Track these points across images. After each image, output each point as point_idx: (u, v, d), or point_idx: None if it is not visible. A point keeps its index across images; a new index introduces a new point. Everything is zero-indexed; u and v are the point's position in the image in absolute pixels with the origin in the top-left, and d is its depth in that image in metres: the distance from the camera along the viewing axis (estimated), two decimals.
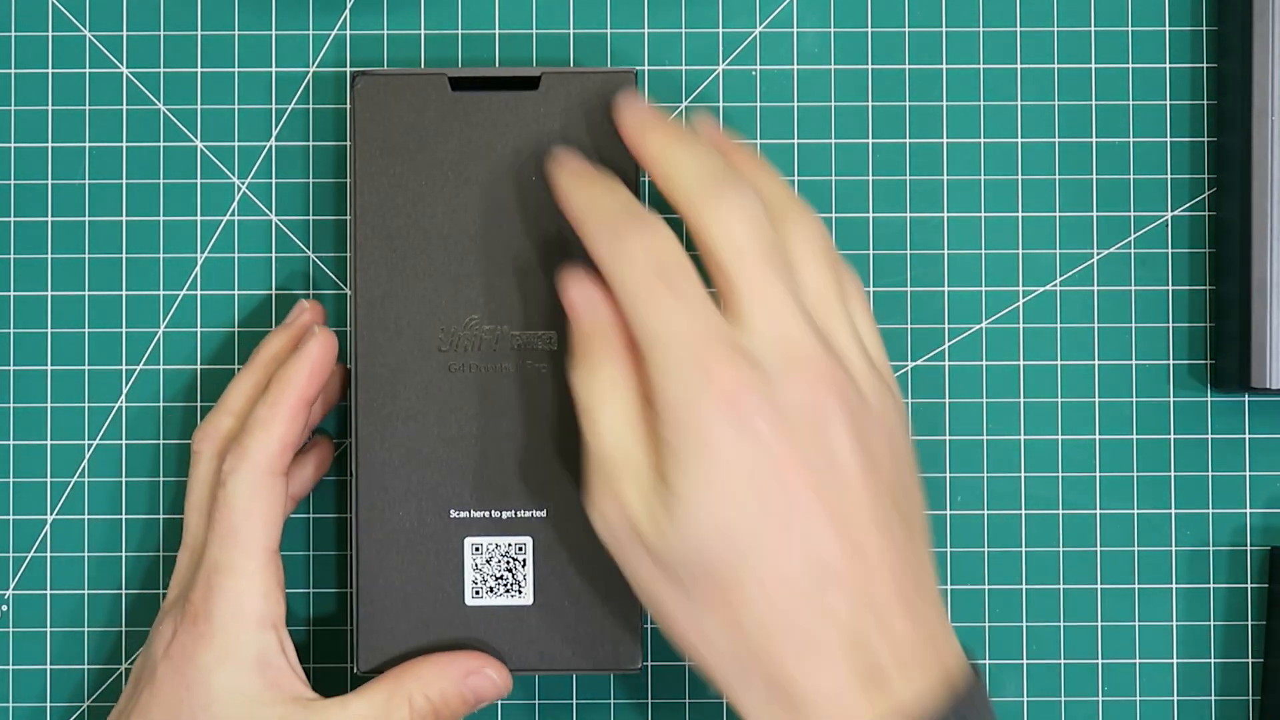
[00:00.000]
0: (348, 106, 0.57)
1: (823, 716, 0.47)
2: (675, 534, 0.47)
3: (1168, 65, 0.60)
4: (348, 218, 0.59)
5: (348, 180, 0.58)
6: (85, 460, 0.60)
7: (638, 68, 0.59)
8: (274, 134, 0.60)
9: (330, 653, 0.60)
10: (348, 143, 0.58)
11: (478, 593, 0.55)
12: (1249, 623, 0.60)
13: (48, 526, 0.60)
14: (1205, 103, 0.60)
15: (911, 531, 0.49)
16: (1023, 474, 0.60)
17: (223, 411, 0.56)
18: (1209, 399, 0.60)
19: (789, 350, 0.47)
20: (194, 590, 0.53)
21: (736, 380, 0.46)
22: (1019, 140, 0.60)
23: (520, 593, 0.55)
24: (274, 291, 0.60)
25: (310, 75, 0.60)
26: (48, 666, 0.60)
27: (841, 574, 0.47)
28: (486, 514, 0.55)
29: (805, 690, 0.47)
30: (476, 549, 0.55)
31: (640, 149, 0.51)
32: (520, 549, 0.55)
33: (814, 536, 0.47)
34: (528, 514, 0.55)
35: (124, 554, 0.60)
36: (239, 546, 0.53)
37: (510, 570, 0.55)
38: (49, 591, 0.60)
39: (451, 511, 0.55)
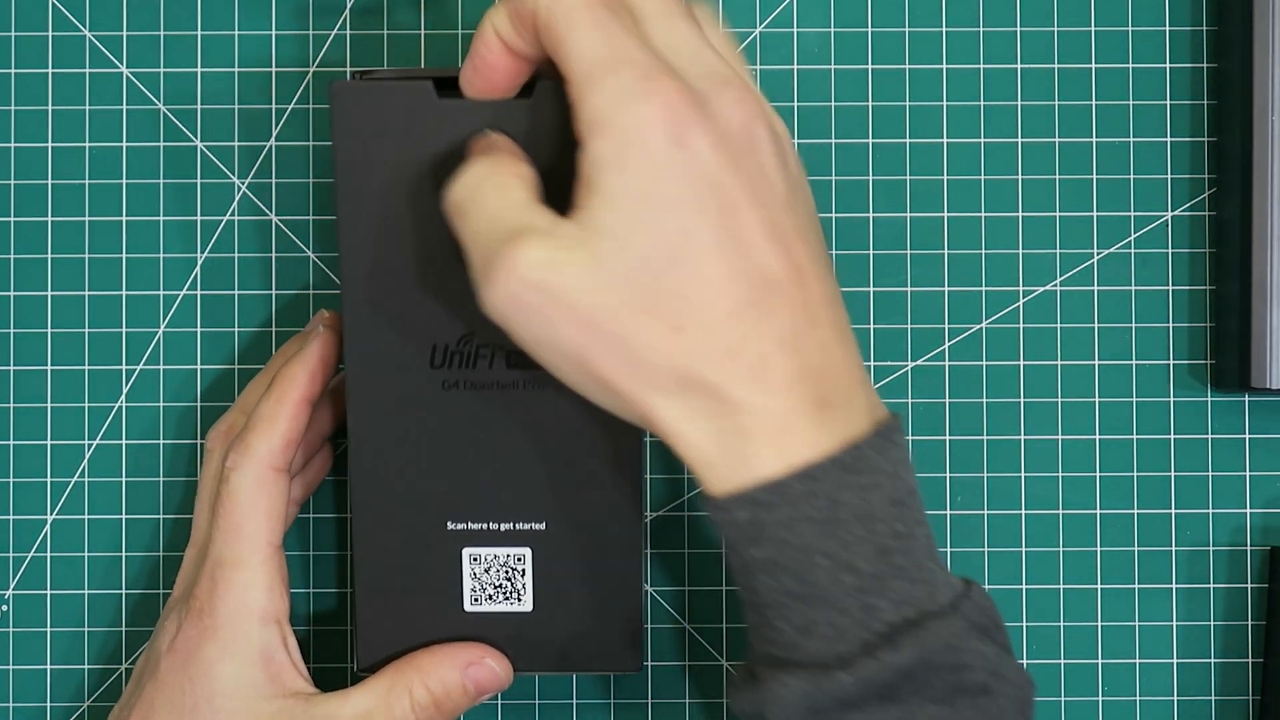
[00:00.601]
0: (329, 114, 0.55)
1: (767, 433, 0.46)
2: (611, 251, 0.45)
3: (1168, 65, 0.60)
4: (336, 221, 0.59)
5: (335, 191, 0.57)
6: (85, 460, 0.60)
7: None
8: (274, 134, 0.60)
9: (330, 652, 0.60)
10: (331, 151, 0.56)
11: (476, 600, 0.55)
12: (1249, 623, 0.60)
13: (48, 526, 0.60)
14: (1205, 103, 0.60)
15: (824, 258, 0.48)
16: (1023, 474, 0.60)
17: (238, 411, 0.56)
18: (1209, 399, 0.60)
19: (715, 76, 0.47)
20: (199, 585, 0.53)
21: (680, 98, 0.45)
22: (1019, 140, 0.60)
23: (520, 600, 0.55)
24: (274, 291, 0.60)
25: (310, 75, 0.60)
26: (48, 666, 0.60)
27: (784, 286, 0.46)
28: (484, 526, 0.55)
29: (751, 406, 0.46)
30: (475, 559, 0.55)
31: None
32: (519, 559, 0.55)
33: (755, 247, 0.46)
34: (526, 526, 0.55)
35: (124, 554, 0.60)
36: (243, 541, 0.53)
37: (509, 579, 0.55)
38: (49, 591, 0.60)
39: (449, 524, 0.55)
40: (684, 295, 0.45)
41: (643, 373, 0.46)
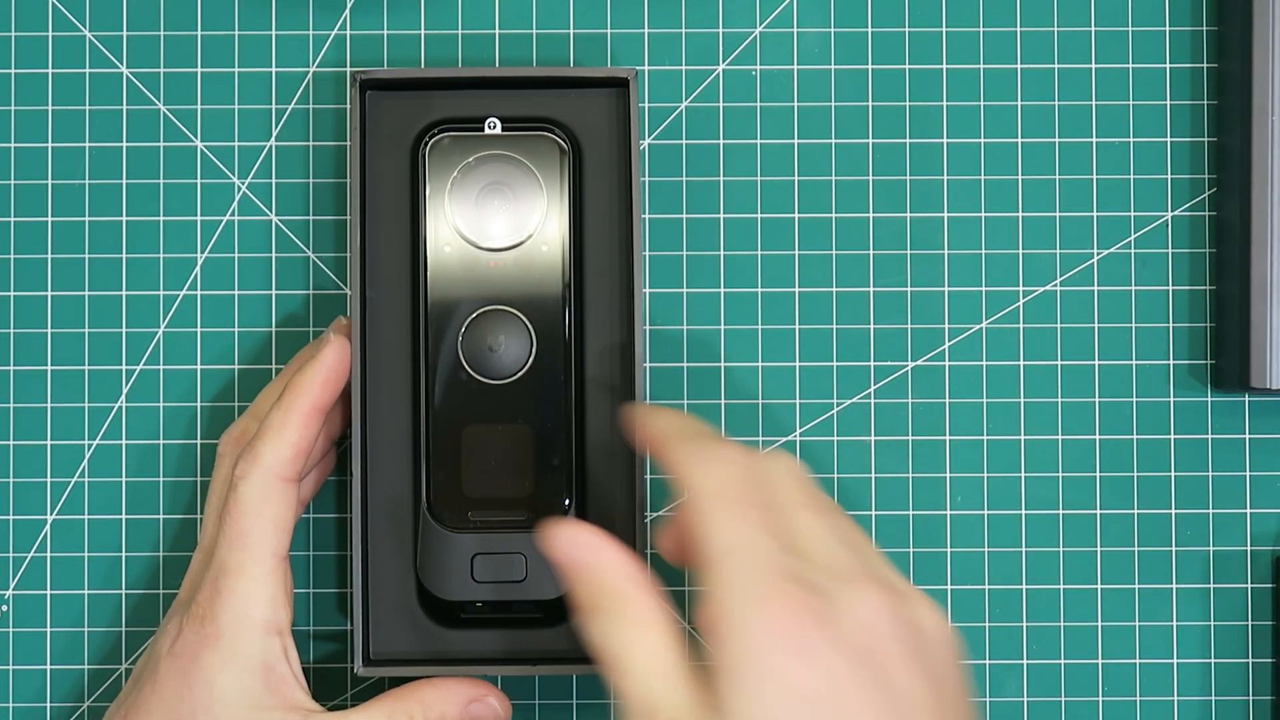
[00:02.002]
0: (348, 108, 0.57)
1: None
2: None
3: (1168, 65, 0.60)
4: (347, 218, 0.59)
5: (348, 181, 0.58)
6: (85, 460, 0.60)
7: (638, 67, 0.59)
8: (274, 134, 0.60)
9: (330, 653, 0.60)
10: (348, 143, 0.58)
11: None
12: (1249, 623, 0.60)
13: (48, 526, 0.60)
14: (1205, 103, 0.60)
15: None
16: (1023, 474, 0.60)
17: (251, 417, 0.56)
18: (1209, 399, 0.60)
19: (842, 571, 0.46)
20: (201, 591, 0.53)
21: (800, 600, 0.44)
22: (1019, 140, 0.60)
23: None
24: (274, 291, 0.60)
25: (310, 75, 0.60)
26: (48, 666, 0.60)
27: None
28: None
29: None
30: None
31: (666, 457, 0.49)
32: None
33: None
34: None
35: (124, 554, 0.60)
36: (247, 550, 0.53)
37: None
38: (49, 591, 0.60)
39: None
40: None
41: None
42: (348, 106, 0.59)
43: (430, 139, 0.56)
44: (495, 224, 0.56)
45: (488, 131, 0.57)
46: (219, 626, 0.52)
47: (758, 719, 0.43)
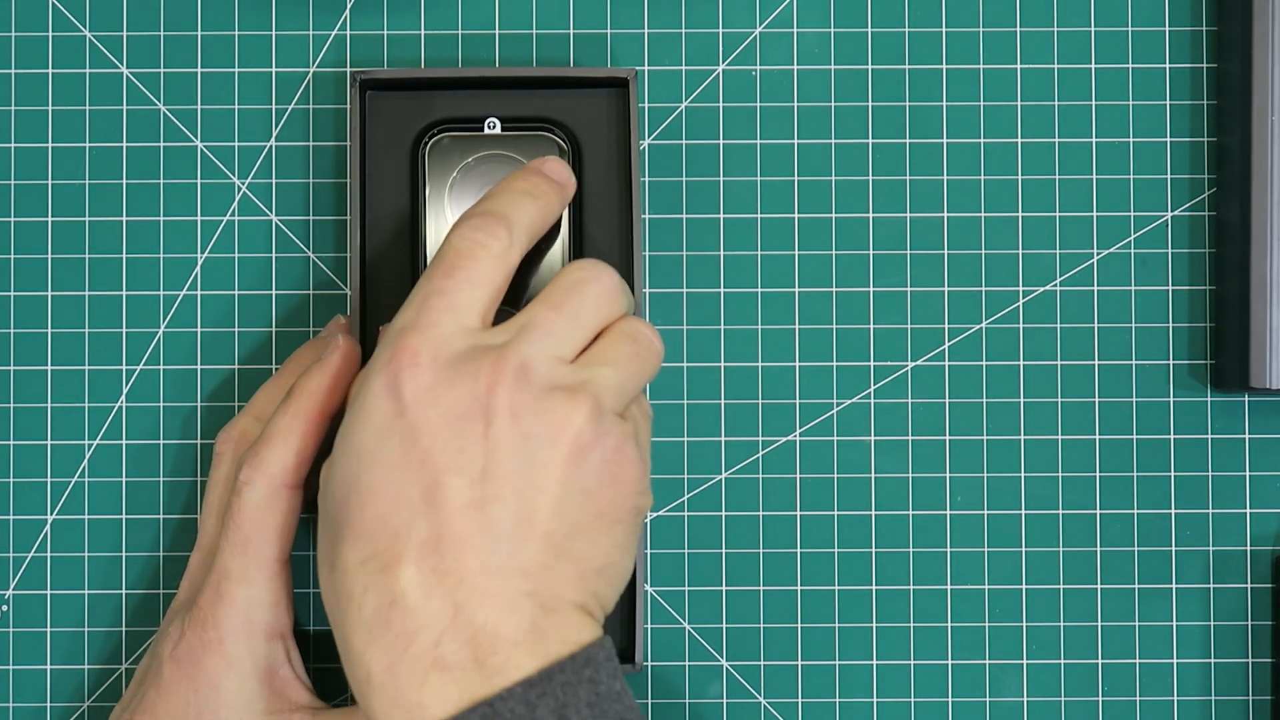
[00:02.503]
0: (348, 108, 0.57)
1: (389, 697, 0.46)
2: (323, 481, 0.49)
3: (1168, 65, 0.60)
4: (347, 218, 0.59)
5: (348, 181, 0.58)
6: (85, 460, 0.60)
7: (638, 67, 0.59)
8: (274, 134, 0.60)
9: (331, 653, 0.60)
10: (348, 144, 0.58)
11: None
12: (1249, 623, 0.60)
13: (48, 526, 0.60)
14: (1205, 103, 0.60)
15: (560, 517, 0.48)
16: (1023, 474, 0.60)
17: (250, 416, 0.56)
18: (1209, 399, 0.60)
19: (489, 352, 0.48)
20: (203, 595, 0.53)
21: (411, 362, 0.48)
22: (1019, 140, 0.60)
23: None
24: (274, 291, 0.60)
25: (310, 75, 0.60)
26: (48, 666, 0.60)
27: (421, 547, 0.46)
28: None
29: (368, 660, 0.46)
30: None
31: None
32: None
33: (407, 508, 0.47)
34: None
35: (124, 554, 0.60)
36: (250, 556, 0.53)
37: None
38: (49, 591, 0.60)
39: None
40: (341, 535, 0.47)
41: (332, 598, 0.48)
42: (348, 106, 0.59)
43: (430, 139, 0.56)
44: None
45: (487, 132, 0.57)
46: (222, 632, 0.52)
47: (342, 435, 0.48)
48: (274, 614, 0.53)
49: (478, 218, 0.50)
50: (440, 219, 0.56)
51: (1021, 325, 0.60)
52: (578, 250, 0.57)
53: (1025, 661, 0.60)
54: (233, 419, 0.57)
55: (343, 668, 0.49)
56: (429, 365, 0.48)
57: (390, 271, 0.57)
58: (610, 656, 0.47)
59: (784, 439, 0.60)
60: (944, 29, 0.60)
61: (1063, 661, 0.60)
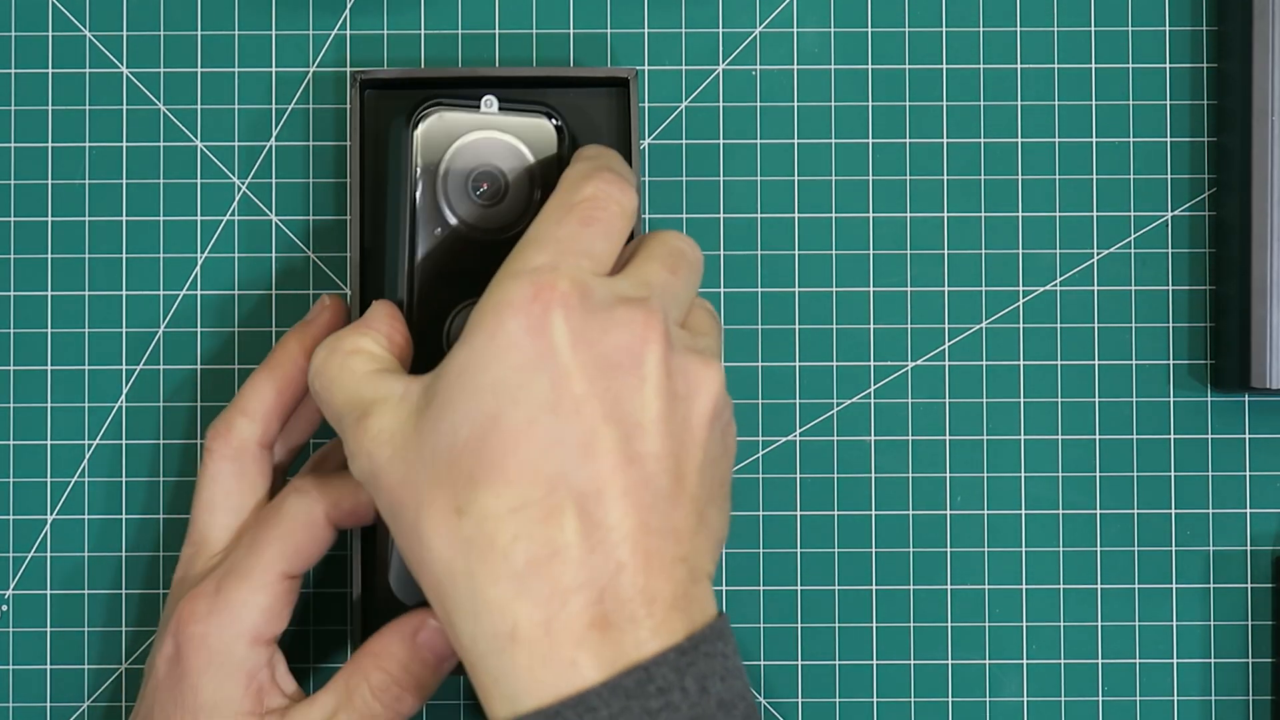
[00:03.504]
0: (348, 108, 0.57)
1: (539, 654, 0.44)
2: (432, 419, 0.45)
3: (1168, 65, 0.60)
4: (347, 218, 0.59)
5: (348, 182, 0.58)
6: (85, 460, 0.60)
7: (638, 67, 0.59)
8: (274, 134, 0.60)
9: (336, 655, 0.60)
10: (348, 143, 0.58)
11: None
12: (1249, 623, 0.60)
13: (48, 526, 0.60)
14: (1205, 103, 0.60)
15: (695, 493, 0.46)
16: (1023, 474, 0.60)
17: (236, 410, 0.55)
18: (1209, 399, 0.60)
19: (631, 300, 0.46)
20: (202, 587, 0.53)
21: (557, 293, 0.45)
22: (1019, 140, 0.60)
23: None
24: (274, 291, 0.60)
25: (310, 75, 0.60)
26: (48, 666, 0.60)
27: (584, 497, 0.44)
28: None
29: (514, 613, 0.44)
30: None
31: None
32: None
33: (571, 460, 0.44)
34: None
35: (124, 554, 0.60)
36: (259, 561, 0.52)
37: None
38: (49, 591, 0.60)
39: None
40: (475, 479, 0.44)
41: (423, 553, 0.45)
42: (347, 106, 0.59)
43: (422, 114, 0.54)
44: (486, 209, 0.54)
45: (483, 110, 0.55)
46: (209, 628, 0.52)
47: (468, 369, 0.45)
48: (264, 619, 0.52)
49: (608, 173, 0.48)
50: (430, 201, 0.54)
51: (1021, 325, 0.60)
52: None
53: (1025, 661, 0.60)
54: (220, 415, 0.56)
55: (449, 620, 0.45)
56: (579, 308, 0.45)
57: (391, 270, 0.57)
58: (731, 631, 0.46)
59: (784, 439, 0.60)
60: (944, 29, 0.60)
61: (1063, 661, 0.60)
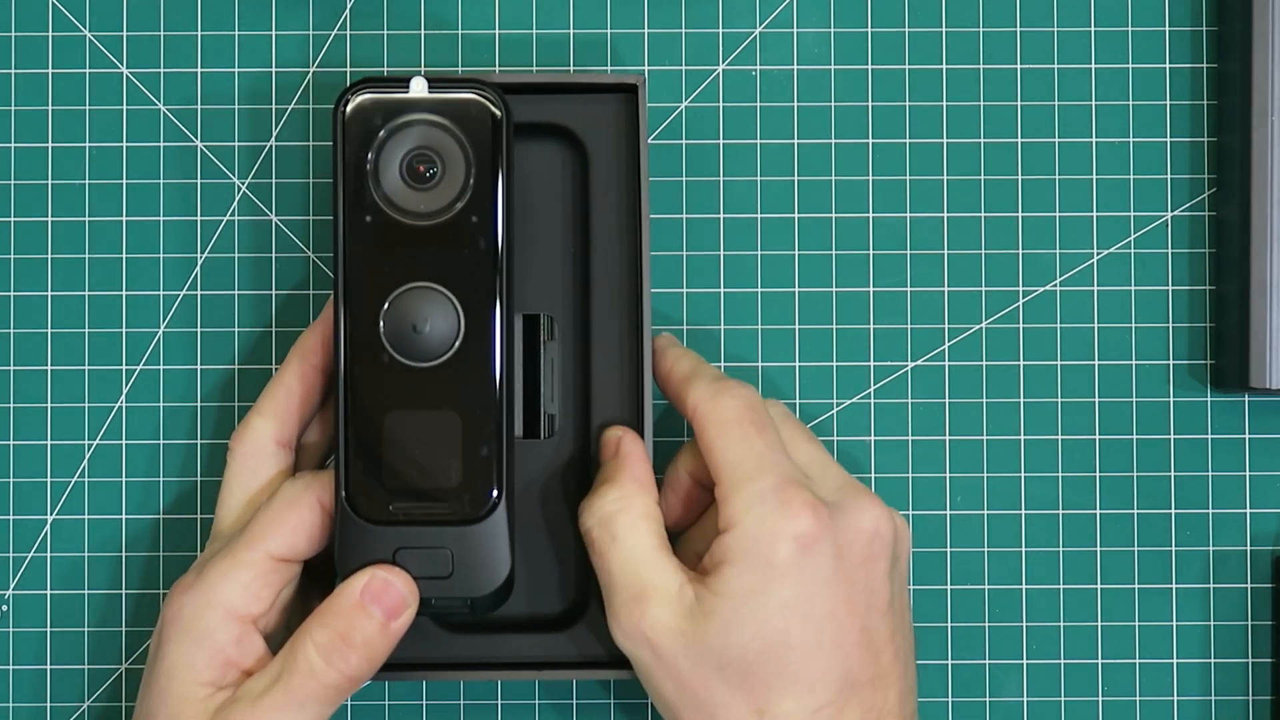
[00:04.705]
0: (332, 111, 0.54)
1: None
2: (718, 632, 0.51)
3: (1168, 65, 0.60)
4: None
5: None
6: (85, 460, 0.60)
7: (643, 70, 0.59)
8: (274, 134, 0.60)
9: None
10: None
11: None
12: (1249, 623, 0.60)
13: (48, 526, 0.60)
14: (1205, 103, 0.60)
15: (909, 662, 0.53)
16: (1023, 474, 0.60)
17: (254, 411, 0.55)
18: (1209, 399, 0.60)
19: (848, 488, 0.53)
20: (193, 566, 0.53)
21: (811, 511, 0.51)
22: (1019, 140, 0.60)
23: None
24: (274, 291, 0.60)
25: (310, 75, 0.60)
26: (48, 666, 0.60)
27: (864, 689, 0.51)
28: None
29: None
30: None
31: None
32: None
33: (847, 654, 0.51)
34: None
35: (124, 554, 0.60)
36: (244, 538, 0.52)
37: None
38: (49, 591, 0.60)
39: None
40: (774, 686, 0.51)
41: None
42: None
43: (349, 99, 0.52)
44: (420, 194, 0.52)
45: (412, 92, 0.53)
46: (188, 596, 0.52)
47: (751, 592, 0.51)
48: (243, 596, 0.52)
49: (727, 379, 0.54)
50: (360, 186, 0.52)
51: (1021, 325, 0.60)
52: (585, 256, 0.56)
53: (1025, 661, 0.60)
54: (243, 419, 0.56)
55: None
56: (828, 522, 0.52)
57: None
58: None
59: None
60: (944, 29, 0.60)
61: (1063, 661, 0.60)
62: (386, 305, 0.52)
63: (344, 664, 0.51)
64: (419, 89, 0.52)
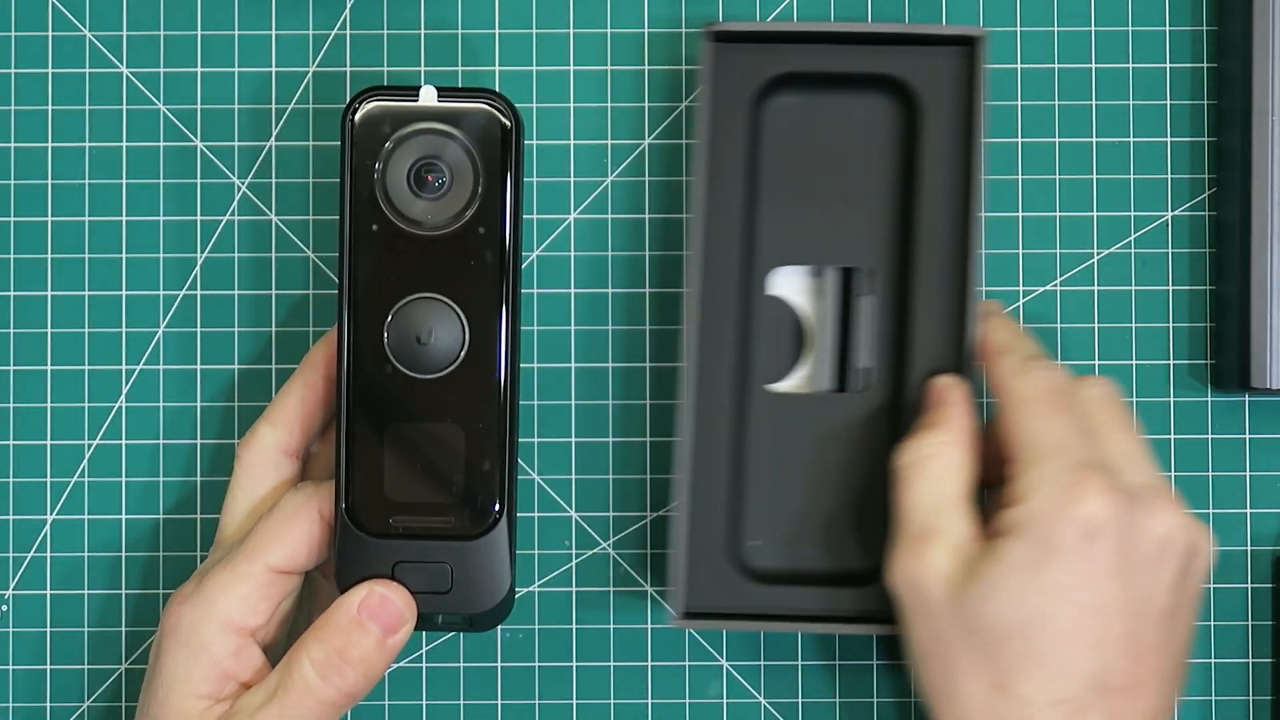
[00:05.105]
0: (702, 60, 0.53)
1: None
2: (980, 597, 0.50)
3: (1168, 65, 0.60)
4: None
5: (702, 138, 0.53)
6: (85, 460, 0.60)
7: (982, 30, 0.57)
8: (274, 134, 0.60)
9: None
10: (705, 98, 0.55)
11: None
12: (1249, 623, 0.60)
13: (48, 526, 0.60)
14: (1205, 103, 0.60)
15: (1174, 678, 0.52)
16: None
17: (261, 419, 0.55)
18: (1209, 399, 0.60)
19: (1154, 487, 0.52)
20: (193, 576, 0.53)
21: (1106, 497, 0.50)
22: (1019, 140, 0.60)
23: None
24: (274, 291, 0.60)
25: (310, 75, 0.60)
26: (47, 666, 0.60)
27: (1115, 696, 0.50)
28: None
29: None
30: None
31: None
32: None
33: (1106, 653, 0.50)
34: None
35: (124, 554, 0.60)
36: (244, 550, 0.52)
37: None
38: (49, 591, 0.60)
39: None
40: (1020, 666, 0.50)
41: (954, 709, 0.51)
42: (702, 59, 0.56)
43: (358, 107, 0.52)
44: (427, 204, 0.52)
45: (421, 101, 0.52)
46: (186, 607, 0.52)
47: (1022, 565, 0.50)
48: (241, 608, 0.52)
49: (1038, 360, 0.54)
50: (367, 196, 0.52)
51: (1022, 325, 0.60)
52: (908, 211, 0.56)
53: None
54: (251, 426, 0.55)
55: None
56: (1123, 515, 0.50)
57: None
58: None
59: None
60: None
61: None
62: (391, 316, 0.52)
63: (341, 680, 0.51)
64: (428, 98, 0.52)
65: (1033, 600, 0.49)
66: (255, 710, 0.51)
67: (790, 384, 0.58)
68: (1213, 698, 0.60)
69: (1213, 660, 0.60)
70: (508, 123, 0.52)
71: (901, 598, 0.52)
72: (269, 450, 0.54)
